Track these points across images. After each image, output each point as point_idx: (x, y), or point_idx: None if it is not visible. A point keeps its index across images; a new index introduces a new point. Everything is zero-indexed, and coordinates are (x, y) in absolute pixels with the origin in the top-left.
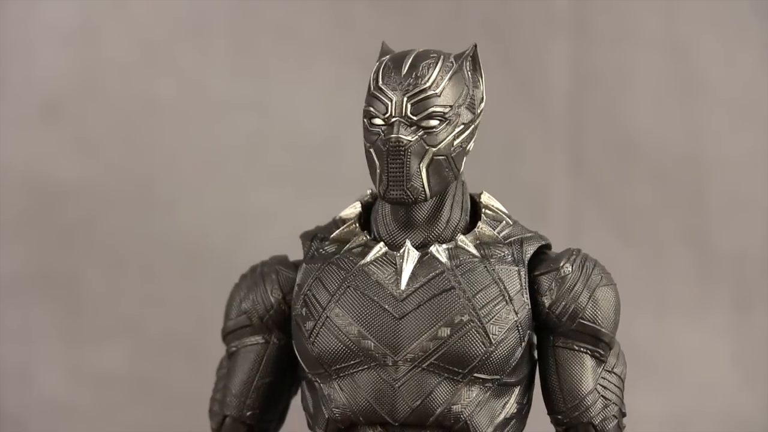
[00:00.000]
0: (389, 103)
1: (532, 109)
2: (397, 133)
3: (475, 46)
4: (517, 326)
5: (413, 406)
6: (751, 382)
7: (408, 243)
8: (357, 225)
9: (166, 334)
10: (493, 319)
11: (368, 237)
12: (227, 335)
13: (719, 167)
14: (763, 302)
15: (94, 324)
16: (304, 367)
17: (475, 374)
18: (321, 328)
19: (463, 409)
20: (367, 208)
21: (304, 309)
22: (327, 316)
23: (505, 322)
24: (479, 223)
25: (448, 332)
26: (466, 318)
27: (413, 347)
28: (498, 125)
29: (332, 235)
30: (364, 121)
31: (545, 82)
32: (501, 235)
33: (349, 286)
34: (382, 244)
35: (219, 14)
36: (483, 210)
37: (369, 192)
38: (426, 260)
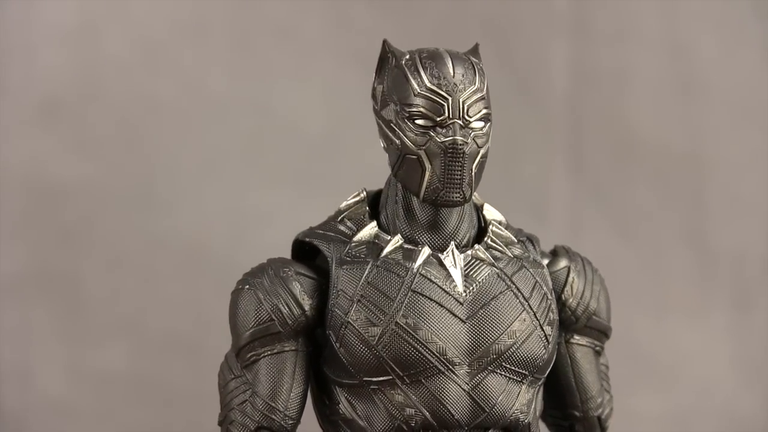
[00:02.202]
0: (445, 105)
1: (532, 109)
2: (455, 135)
3: (478, 45)
4: (557, 325)
5: (487, 409)
6: (751, 382)
7: (452, 245)
8: (378, 227)
9: (166, 334)
10: (547, 320)
11: (402, 239)
12: (250, 343)
13: (719, 167)
14: (763, 302)
15: (94, 324)
16: (360, 374)
17: (535, 375)
18: (390, 333)
19: (526, 410)
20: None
21: (362, 314)
22: (395, 322)
23: (552, 322)
24: (493, 222)
25: (516, 335)
26: (528, 320)
27: (483, 350)
28: (498, 125)
29: (354, 238)
30: (406, 122)
31: (545, 82)
32: (509, 233)
33: (410, 291)
34: (426, 248)
35: (219, 14)
36: (484, 209)
37: (364, 192)
38: (472, 262)
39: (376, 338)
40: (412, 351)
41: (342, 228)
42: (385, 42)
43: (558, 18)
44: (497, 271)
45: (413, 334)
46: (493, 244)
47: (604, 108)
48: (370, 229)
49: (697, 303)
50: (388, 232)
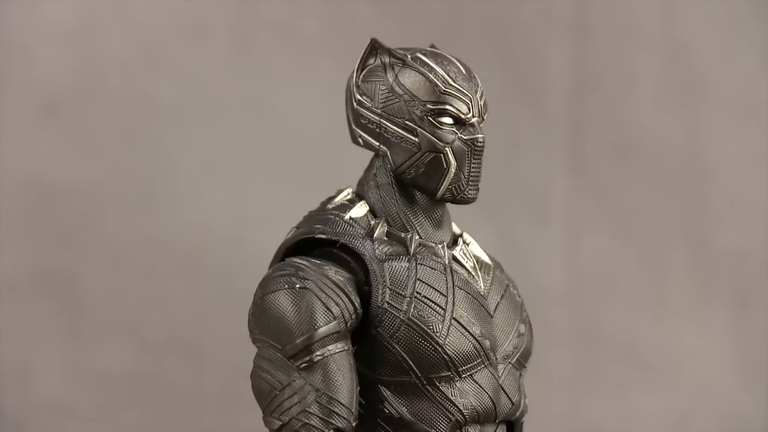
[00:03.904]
0: (471, 103)
1: (532, 109)
2: (476, 133)
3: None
4: None
5: (513, 401)
6: (751, 382)
7: (461, 241)
8: (385, 224)
9: (166, 334)
10: (529, 314)
11: (419, 237)
12: (312, 344)
13: (719, 167)
14: (764, 302)
15: (94, 324)
16: (419, 371)
17: (527, 367)
18: (449, 329)
19: (525, 404)
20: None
21: (420, 311)
22: (453, 318)
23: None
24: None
25: (522, 328)
26: (526, 314)
27: (508, 344)
28: (498, 125)
29: (375, 235)
30: (428, 119)
31: (545, 82)
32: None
33: (454, 286)
34: (445, 244)
35: (219, 14)
36: None
37: (349, 191)
38: (475, 259)
39: (440, 334)
40: (469, 346)
41: (356, 226)
42: (374, 40)
43: (558, 18)
44: (493, 266)
45: (468, 329)
46: (475, 244)
47: (604, 108)
48: (381, 227)
49: (697, 303)
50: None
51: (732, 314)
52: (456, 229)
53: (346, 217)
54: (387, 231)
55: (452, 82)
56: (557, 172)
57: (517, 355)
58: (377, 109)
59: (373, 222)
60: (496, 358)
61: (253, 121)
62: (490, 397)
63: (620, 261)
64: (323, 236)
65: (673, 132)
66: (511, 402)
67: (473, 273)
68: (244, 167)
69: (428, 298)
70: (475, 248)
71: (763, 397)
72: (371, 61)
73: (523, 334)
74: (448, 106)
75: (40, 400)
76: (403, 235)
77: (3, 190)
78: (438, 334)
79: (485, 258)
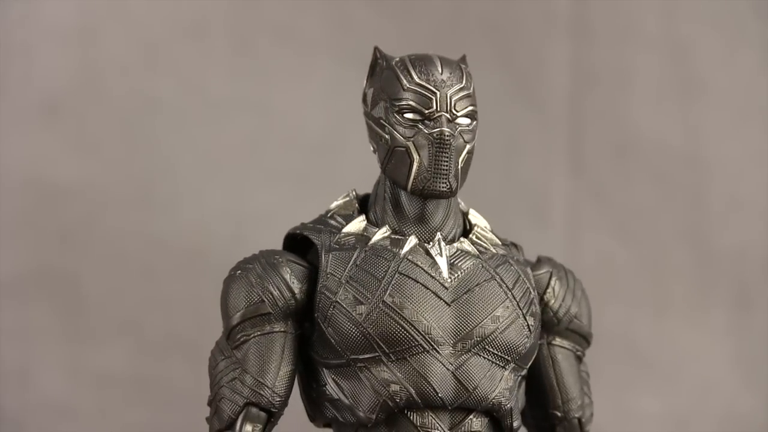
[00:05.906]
0: (433, 98)
1: (532, 109)
2: (442, 127)
3: (465, 56)
4: (540, 318)
5: (470, 390)
6: (751, 382)
7: (438, 235)
8: (366, 220)
9: (166, 334)
10: (530, 312)
11: (390, 230)
12: (240, 323)
13: (719, 167)
14: (763, 302)
15: (94, 324)
16: (347, 352)
17: (517, 363)
18: (376, 312)
19: (508, 395)
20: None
21: (350, 294)
22: (382, 300)
23: (535, 315)
24: (478, 225)
25: (499, 320)
26: (511, 307)
27: (467, 333)
28: (498, 125)
29: (344, 229)
30: (395, 116)
31: (545, 82)
32: (494, 236)
33: (397, 272)
34: (413, 237)
35: (219, 14)
36: (470, 215)
37: (353, 192)
38: (457, 253)
39: (363, 316)
40: (398, 328)
41: (332, 222)
42: (376, 48)
43: (558, 18)
44: (481, 262)
45: (399, 312)
46: (478, 241)
47: (604, 108)
48: (359, 222)
49: (697, 303)
50: (377, 227)
51: (732, 314)
52: (483, 224)
53: (328, 213)
54: (365, 226)
55: (416, 79)
56: (557, 172)
57: (486, 346)
58: (370, 112)
59: (354, 217)
60: (450, 345)
61: (253, 121)
62: (428, 381)
63: (620, 261)
64: (297, 231)
65: (673, 132)
66: (466, 390)
67: (438, 263)
68: (244, 167)
69: (359, 282)
70: (467, 244)
71: (763, 397)
72: (373, 69)
73: (500, 324)
74: (410, 102)
75: (40, 400)
76: (376, 229)
77: (3, 190)
78: (361, 316)
79: (474, 251)
